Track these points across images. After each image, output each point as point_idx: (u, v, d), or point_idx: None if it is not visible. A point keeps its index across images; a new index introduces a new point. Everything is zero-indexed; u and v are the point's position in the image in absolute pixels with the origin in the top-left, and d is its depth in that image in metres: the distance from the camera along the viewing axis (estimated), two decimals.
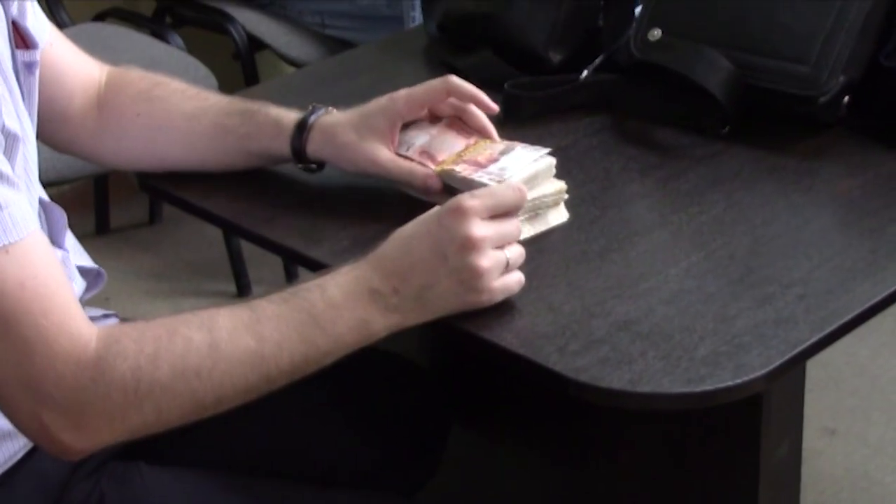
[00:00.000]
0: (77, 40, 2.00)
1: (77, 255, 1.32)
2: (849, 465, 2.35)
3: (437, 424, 1.50)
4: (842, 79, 1.46)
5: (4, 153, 1.11)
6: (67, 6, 2.94)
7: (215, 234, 2.83)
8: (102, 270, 1.35)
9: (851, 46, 1.45)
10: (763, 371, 1.12)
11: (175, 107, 1.42)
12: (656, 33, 1.53)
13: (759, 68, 1.47)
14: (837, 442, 2.40)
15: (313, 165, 1.40)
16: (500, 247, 1.18)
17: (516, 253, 1.20)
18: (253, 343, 1.11)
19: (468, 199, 1.16)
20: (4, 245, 1.06)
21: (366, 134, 1.35)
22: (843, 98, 1.47)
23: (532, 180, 1.29)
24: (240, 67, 2.86)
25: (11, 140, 1.13)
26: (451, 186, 1.32)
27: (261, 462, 1.39)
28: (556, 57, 1.62)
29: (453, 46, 1.72)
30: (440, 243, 1.15)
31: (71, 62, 1.42)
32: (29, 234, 1.08)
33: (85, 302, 1.31)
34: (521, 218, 1.28)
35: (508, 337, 1.17)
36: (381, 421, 1.45)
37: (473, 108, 1.37)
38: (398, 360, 1.51)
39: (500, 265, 1.18)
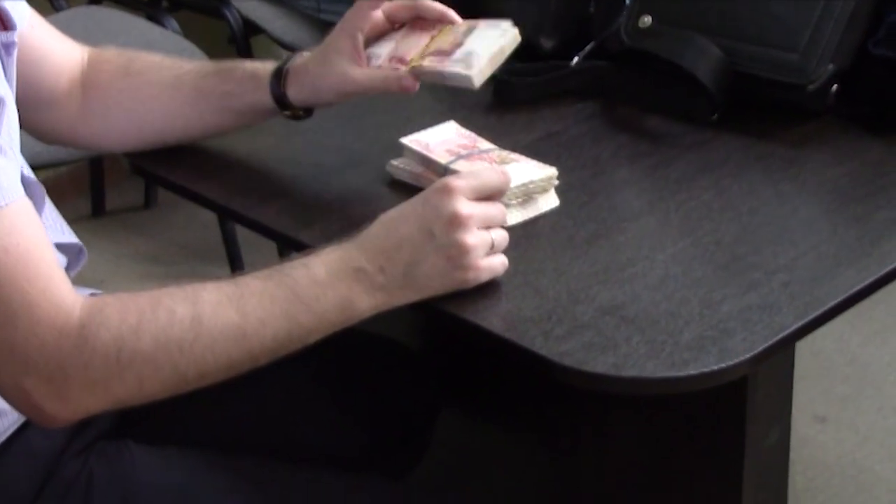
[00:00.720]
0: (73, 23, 2.01)
1: (57, 230, 1.33)
2: (839, 453, 2.36)
3: (425, 407, 1.51)
4: (830, 67, 1.46)
5: None
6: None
7: (210, 217, 2.83)
8: (83, 247, 1.35)
9: (840, 34, 1.46)
10: (747, 356, 1.13)
11: (154, 78, 1.43)
12: (647, 20, 1.54)
13: (749, 56, 1.48)
14: (828, 430, 2.41)
15: (301, 112, 1.41)
16: (486, 228, 1.19)
17: (501, 236, 1.21)
18: (236, 318, 1.12)
19: (454, 180, 1.18)
20: None
21: (333, 58, 1.36)
22: (832, 86, 1.48)
23: (499, 55, 1.32)
24: (235, 51, 2.86)
25: None
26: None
27: (249, 442, 1.40)
28: (547, 43, 1.63)
29: None
30: (427, 220, 1.17)
31: (52, 45, 1.42)
32: (14, 200, 1.09)
33: (72, 280, 1.32)
34: (513, 203, 1.30)
35: (494, 320, 1.18)
36: (370, 403, 1.46)
37: (426, 0, 1.38)
38: (387, 342, 1.52)
39: (486, 245, 1.19)
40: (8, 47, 1.24)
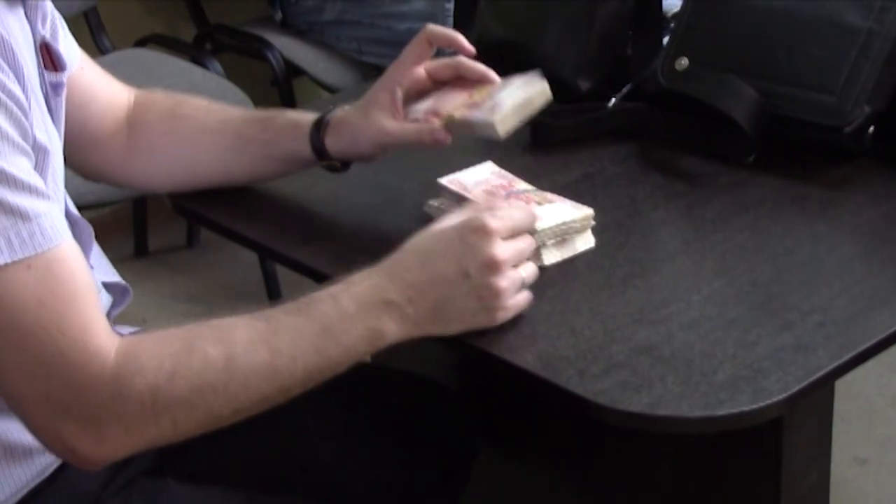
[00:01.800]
0: (118, 66, 2.04)
1: (103, 270, 1.35)
2: (879, 496, 2.34)
3: (463, 446, 1.51)
4: (867, 109, 1.47)
5: (36, 168, 1.13)
6: (109, 32, 2.99)
7: (251, 257, 2.86)
8: (128, 286, 1.37)
9: (876, 76, 1.47)
10: (781, 396, 1.13)
11: (199, 122, 1.46)
12: (683, 62, 1.55)
13: (785, 98, 1.49)
14: (868, 472, 2.40)
15: (337, 164, 1.43)
16: (516, 265, 1.20)
17: (530, 272, 1.22)
18: (268, 356, 1.13)
19: (492, 220, 1.19)
20: (28, 257, 1.08)
21: (371, 111, 1.38)
22: (868, 128, 1.48)
23: (526, 106, 1.33)
24: (277, 93, 2.89)
25: (42, 154, 1.15)
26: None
27: (289, 482, 1.41)
28: (584, 85, 1.64)
29: None
30: (463, 260, 1.18)
31: (101, 86, 1.45)
32: (57, 244, 1.10)
33: (115, 319, 1.34)
34: (550, 243, 1.31)
35: (531, 359, 1.19)
36: (409, 442, 1.46)
37: (467, 60, 1.40)
38: (426, 381, 1.52)
39: (517, 285, 1.20)
40: (56, 88, 1.26)
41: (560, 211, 1.34)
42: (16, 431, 1.22)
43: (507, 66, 1.70)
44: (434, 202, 1.42)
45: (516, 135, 1.58)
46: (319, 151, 1.41)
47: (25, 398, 1.11)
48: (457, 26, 1.83)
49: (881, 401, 2.57)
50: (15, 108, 1.09)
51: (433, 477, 1.48)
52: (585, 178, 1.50)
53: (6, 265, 1.07)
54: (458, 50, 1.41)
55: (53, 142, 1.21)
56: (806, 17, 1.50)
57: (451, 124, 1.35)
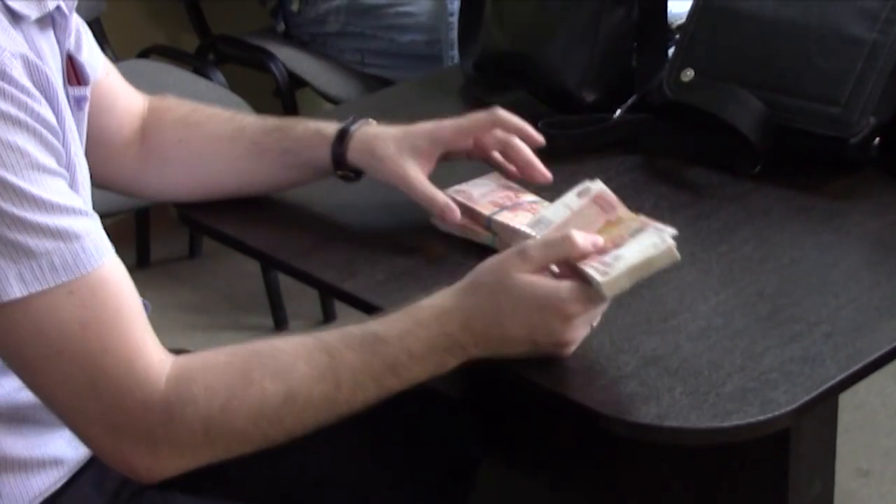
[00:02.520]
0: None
1: None
2: None
3: (467, 456, 1.51)
4: (872, 120, 1.47)
5: (72, 186, 1.14)
6: (112, 43, 2.99)
7: (254, 268, 2.86)
8: (146, 301, 1.38)
9: (882, 87, 1.47)
10: (789, 407, 1.13)
11: (213, 131, 1.45)
12: (689, 74, 1.55)
13: (790, 109, 1.49)
14: (871, 483, 2.39)
15: (352, 174, 1.43)
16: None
17: (598, 322, 1.21)
18: (330, 391, 1.13)
19: (573, 305, 1.15)
20: (69, 281, 1.07)
21: (406, 151, 1.38)
22: (874, 139, 1.48)
23: (646, 266, 1.17)
24: (280, 104, 2.90)
25: (73, 171, 1.15)
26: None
27: (291, 493, 1.41)
28: (589, 96, 1.64)
29: (489, 85, 1.74)
30: (536, 334, 1.16)
31: (121, 92, 1.45)
32: (100, 265, 1.10)
33: None
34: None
35: (538, 371, 1.19)
36: (410, 453, 1.46)
37: (517, 141, 1.40)
38: (428, 391, 1.51)
39: (580, 340, 1.19)
40: (80, 102, 1.26)
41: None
42: (25, 448, 1.22)
43: (513, 77, 1.72)
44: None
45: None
46: (338, 161, 1.41)
47: (80, 420, 1.11)
48: (461, 38, 1.83)
49: (885, 412, 2.56)
50: (48, 136, 1.10)
51: (436, 486, 1.48)
52: None
53: (47, 291, 1.07)
54: (524, 138, 1.40)
55: (79, 156, 1.22)
56: (811, 28, 1.50)
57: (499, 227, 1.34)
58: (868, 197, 1.46)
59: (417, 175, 1.37)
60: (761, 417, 1.12)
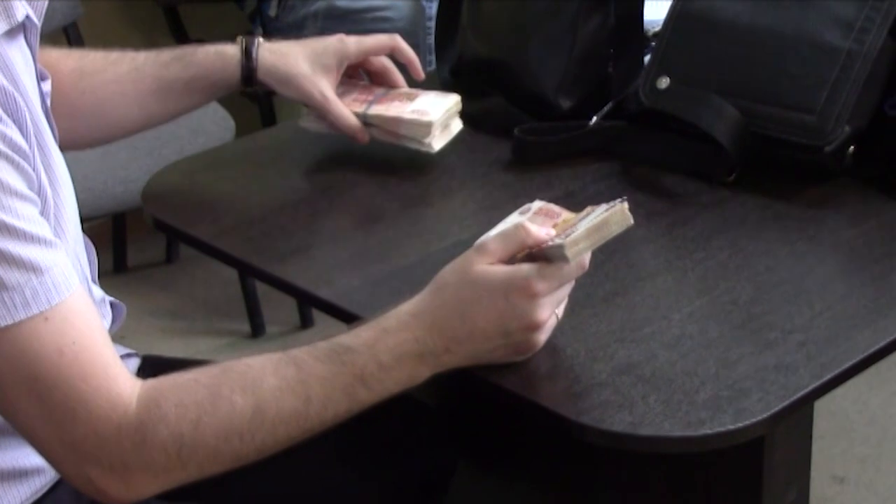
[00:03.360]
0: None
1: (99, 288, 1.35)
2: None
3: (441, 463, 1.51)
4: (847, 128, 1.47)
5: (43, 214, 1.13)
6: (89, 46, 2.97)
7: (231, 273, 2.85)
8: (121, 303, 1.37)
9: (857, 96, 1.47)
10: (763, 416, 1.13)
11: (114, 75, 1.49)
12: (664, 81, 1.55)
13: (766, 117, 1.49)
14: (847, 490, 2.40)
15: (259, 91, 1.53)
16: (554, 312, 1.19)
17: (562, 310, 1.22)
18: (300, 405, 1.12)
19: (538, 283, 1.15)
20: (44, 311, 1.07)
21: (318, 69, 1.51)
22: (849, 148, 1.48)
23: (602, 228, 1.18)
24: (257, 109, 2.89)
25: (44, 199, 1.15)
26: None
27: (266, 500, 1.40)
28: (565, 103, 1.64)
29: (465, 91, 1.74)
30: (506, 319, 1.15)
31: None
32: (70, 294, 1.09)
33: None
34: (437, 132, 1.53)
35: (512, 378, 1.19)
36: (386, 459, 1.46)
37: (397, 75, 1.60)
38: (403, 398, 1.51)
39: (550, 330, 1.20)
40: (47, 96, 1.27)
41: (437, 102, 1.54)
42: (5, 459, 1.22)
43: (489, 83, 1.72)
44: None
45: (497, 152, 1.59)
46: (248, 78, 1.50)
47: (51, 446, 1.10)
48: (438, 44, 1.83)
49: (860, 419, 2.57)
50: (18, 159, 1.09)
51: (411, 494, 1.48)
52: (567, 196, 1.50)
53: (25, 320, 1.07)
54: (411, 72, 1.57)
55: (59, 167, 1.21)
56: (787, 36, 1.51)
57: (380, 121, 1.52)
58: (843, 205, 1.46)
59: (332, 95, 1.51)
60: (735, 426, 1.12)
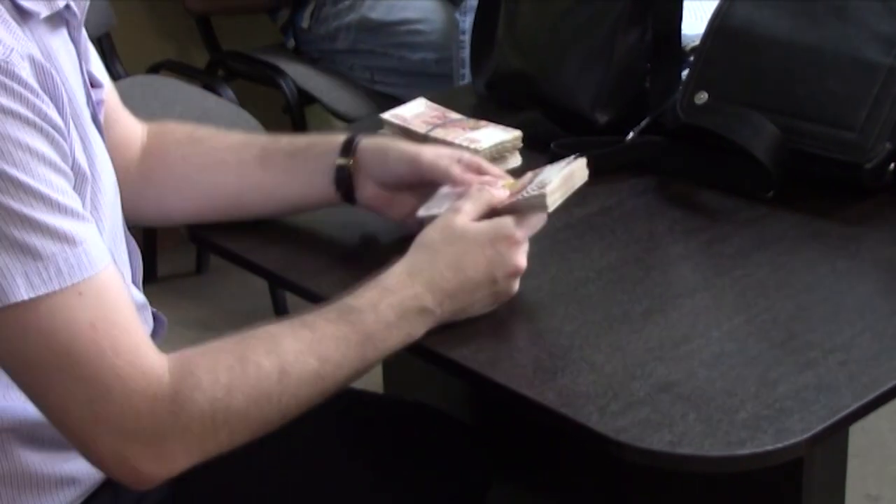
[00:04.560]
0: (131, 92, 2.03)
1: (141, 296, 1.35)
2: None
3: (476, 482, 1.50)
4: (888, 145, 1.46)
5: (75, 188, 1.12)
6: (122, 58, 2.99)
7: (260, 284, 2.85)
8: (162, 316, 1.37)
9: None
10: (804, 436, 1.11)
11: (220, 142, 1.45)
12: (702, 97, 1.54)
13: (805, 134, 1.48)
14: None
15: (349, 181, 1.40)
16: None
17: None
18: (316, 365, 1.16)
19: (519, 230, 1.26)
20: (77, 283, 1.07)
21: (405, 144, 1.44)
22: (889, 165, 1.47)
23: (569, 179, 1.32)
24: (289, 121, 2.89)
25: (80, 178, 1.14)
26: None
27: None
28: (602, 118, 1.64)
29: (501, 105, 1.74)
30: (493, 267, 1.25)
31: (121, 114, 1.44)
32: (103, 268, 1.10)
33: None
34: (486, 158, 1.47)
35: (550, 395, 1.18)
36: (421, 477, 1.45)
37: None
38: (439, 415, 1.51)
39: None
40: (99, 105, 1.26)
41: (493, 134, 1.53)
42: (43, 465, 1.21)
43: (525, 97, 1.71)
44: (383, 131, 1.60)
45: (533, 167, 1.58)
46: (347, 145, 1.40)
47: (84, 425, 1.10)
48: (474, 57, 1.82)
49: (893, 437, 2.55)
50: (53, 132, 1.09)
51: None
52: (603, 211, 1.49)
53: (59, 291, 1.07)
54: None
55: (102, 160, 1.21)
56: (827, 53, 1.50)
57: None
58: (883, 223, 1.45)
59: (428, 152, 1.38)
60: (775, 446, 1.11)
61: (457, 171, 1.35)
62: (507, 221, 1.27)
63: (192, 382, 1.10)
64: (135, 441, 1.10)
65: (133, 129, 1.46)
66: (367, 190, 1.41)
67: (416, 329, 1.22)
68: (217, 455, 1.14)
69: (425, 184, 1.37)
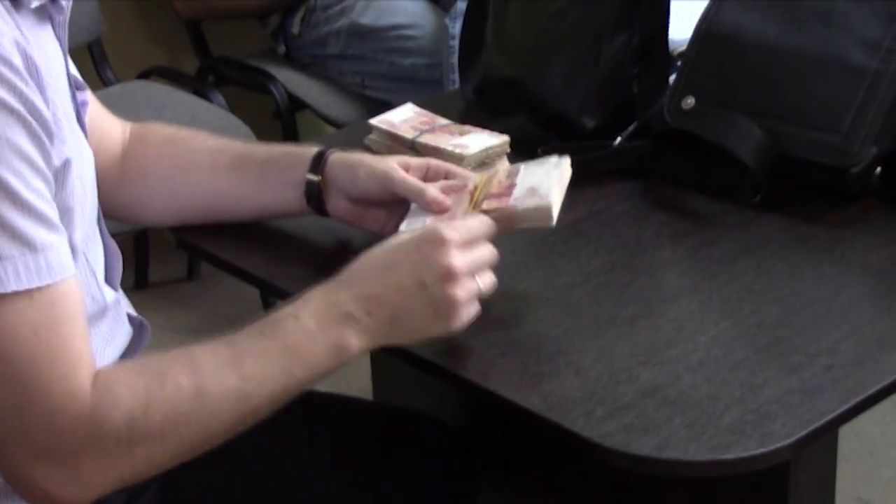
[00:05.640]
0: (121, 98, 2.03)
1: (125, 301, 1.34)
2: None
3: (465, 487, 1.50)
4: (874, 149, 1.46)
5: (55, 197, 1.11)
6: (112, 64, 2.99)
7: (252, 291, 2.84)
8: (146, 322, 1.37)
9: (883, 117, 1.46)
10: (789, 440, 1.12)
11: (197, 144, 1.45)
12: (690, 101, 1.54)
13: (792, 138, 1.48)
14: None
15: (318, 190, 1.40)
16: (474, 275, 1.21)
17: (488, 282, 1.23)
18: (237, 382, 1.12)
19: (447, 231, 1.19)
20: (30, 289, 1.06)
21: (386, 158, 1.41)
22: (875, 168, 1.47)
23: (561, 183, 1.33)
24: (280, 127, 2.89)
25: (63, 173, 1.13)
26: None
27: None
28: (590, 123, 1.64)
29: (489, 110, 1.74)
30: (420, 271, 1.18)
31: (100, 116, 1.44)
32: (63, 280, 1.08)
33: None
34: (473, 167, 1.47)
35: (536, 400, 1.18)
36: (409, 482, 1.45)
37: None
38: (427, 420, 1.51)
39: (474, 295, 1.21)
40: (84, 106, 1.26)
41: (481, 139, 1.53)
42: None
43: (512, 102, 1.71)
44: (371, 138, 1.61)
45: None
46: (318, 158, 1.39)
47: (4, 436, 1.08)
48: (462, 63, 1.83)
49: (884, 441, 2.55)
50: (36, 125, 1.07)
51: None
52: (591, 216, 1.49)
53: (10, 294, 1.05)
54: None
55: (86, 157, 1.20)
56: (813, 57, 1.50)
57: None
58: (869, 227, 1.45)
59: (399, 169, 1.36)
60: (760, 450, 1.11)
61: (430, 194, 1.33)
62: (433, 225, 1.23)
63: (111, 399, 1.08)
64: (50, 461, 1.08)
65: (113, 129, 1.46)
66: (338, 204, 1.40)
67: (346, 338, 1.16)
68: (135, 480, 1.11)
69: (397, 200, 1.36)
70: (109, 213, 1.47)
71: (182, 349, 1.14)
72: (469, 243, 1.21)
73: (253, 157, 1.43)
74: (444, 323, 1.20)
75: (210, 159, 1.43)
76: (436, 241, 1.19)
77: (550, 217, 1.28)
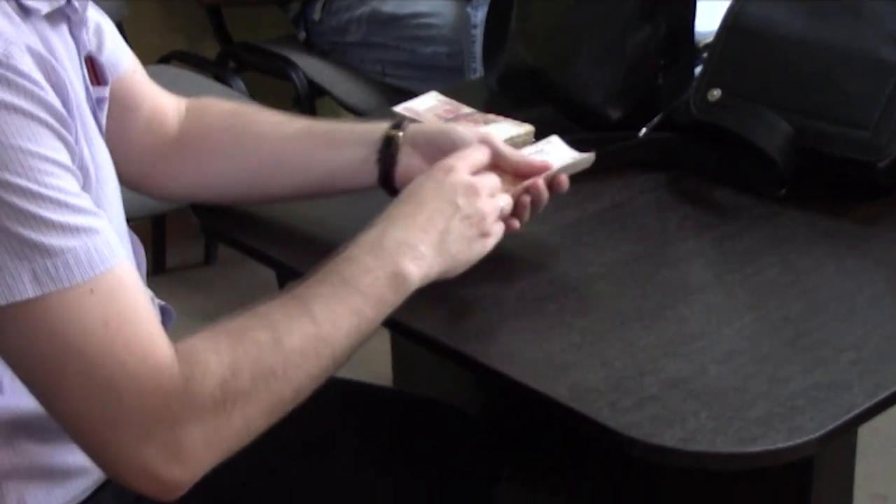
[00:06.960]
0: None
1: (148, 292, 1.34)
2: None
3: (485, 476, 1.50)
4: None
5: (84, 188, 1.11)
6: (132, 48, 2.99)
7: (269, 275, 2.84)
8: (171, 308, 1.37)
9: None
10: (816, 434, 1.12)
11: (264, 115, 1.45)
12: (716, 93, 1.54)
13: (818, 132, 1.48)
14: None
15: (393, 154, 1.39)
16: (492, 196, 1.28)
17: (507, 200, 1.30)
18: (312, 328, 1.13)
19: (451, 160, 1.29)
20: (89, 280, 1.04)
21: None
22: None
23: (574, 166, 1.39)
24: (300, 113, 2.89)
25: (85, 173, 1.13)
26: None
27: None
28: (614, 114, 1.63)
29: (513, 100, 1.74)
30: (449, 192, 1.26)
31: (147, 93, 1.43)
32: (117, 264, 1.07)
33: None
34: None
35: (561, 390, 1.18)
36: (429, 471, 1.45)
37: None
38: (448, 409, 1.51)
39: (497, 210, 1.28)
40: (101, 103, 1.25)
41: (505, 128, 1.53)
42: (51, 457, 1.21)
43: (537, 92, 1.71)
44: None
45: None
46: (389, 138, 1.39)
47: (98, 429, 1.07)
48: (486, 52, 1.82)
49: None
50: (59, 126, 1.07)
51: None
52: (615, 207, 1.49)
53: (69, 288, 1.04)
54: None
55: (102, 158, 1.20)
56: (840, 51, 1.49)
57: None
58: (894, 223, 1.45)
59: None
60: (787, 444, 1.11)
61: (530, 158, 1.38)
62: (441, 161, 1.30)
63: (200, 368, 1.07)
64: (153, 442, 1.06)
65: (166, 104, 1.46)
66: (412, 160, 1.38)
67: (403, 266, 1.19)
68: (237, 447, 1.10)
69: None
70: (161, 192, 1.47)
71: (247, 310, 1.15)
72: (472, 170, 1.29)
73: (323, 125, 1.44)
74: (480, 241, 1.26)
75: (276, 129, 1.43)
76: (447, 169, 1.27)
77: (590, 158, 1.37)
